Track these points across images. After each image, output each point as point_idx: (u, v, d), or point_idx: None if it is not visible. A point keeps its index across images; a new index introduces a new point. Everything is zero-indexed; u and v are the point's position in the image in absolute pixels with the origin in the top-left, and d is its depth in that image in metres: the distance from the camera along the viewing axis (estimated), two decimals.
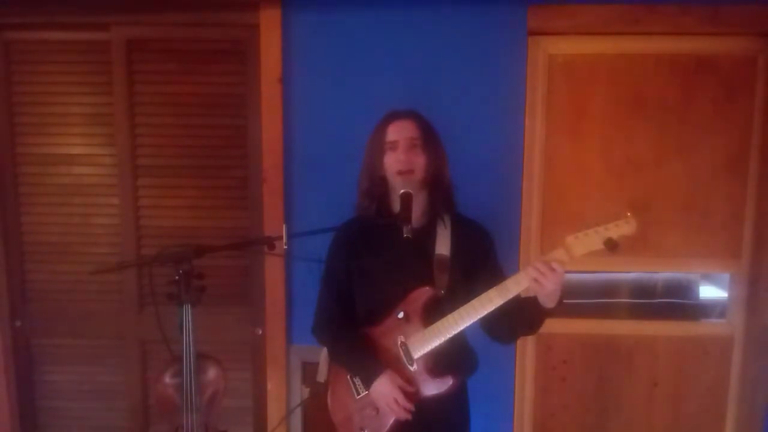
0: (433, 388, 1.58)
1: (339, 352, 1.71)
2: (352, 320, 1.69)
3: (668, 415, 2.33)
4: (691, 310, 3.18)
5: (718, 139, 2.19)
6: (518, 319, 1.58)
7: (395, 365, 1.59)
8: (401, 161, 1.57)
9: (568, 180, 2.24)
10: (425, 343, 1.57)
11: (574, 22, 2.11)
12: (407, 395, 1.54)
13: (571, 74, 2.19)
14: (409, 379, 1.57)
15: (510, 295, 1.51)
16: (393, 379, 1.55)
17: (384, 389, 1.55)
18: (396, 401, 1.53)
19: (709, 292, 3.60)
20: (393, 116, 1.63)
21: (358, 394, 1.64)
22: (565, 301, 1.53)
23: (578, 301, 2.92)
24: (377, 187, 1.63)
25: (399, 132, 1.59)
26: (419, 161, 1.59)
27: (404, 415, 1.54)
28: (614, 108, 2.19)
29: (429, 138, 1.62)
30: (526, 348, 2.31)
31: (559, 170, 2.24)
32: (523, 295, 1.55)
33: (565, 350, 2.33)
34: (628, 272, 3.21)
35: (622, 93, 2.18)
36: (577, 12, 2.10)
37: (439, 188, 1.65)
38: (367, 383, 1.59)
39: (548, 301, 1.48)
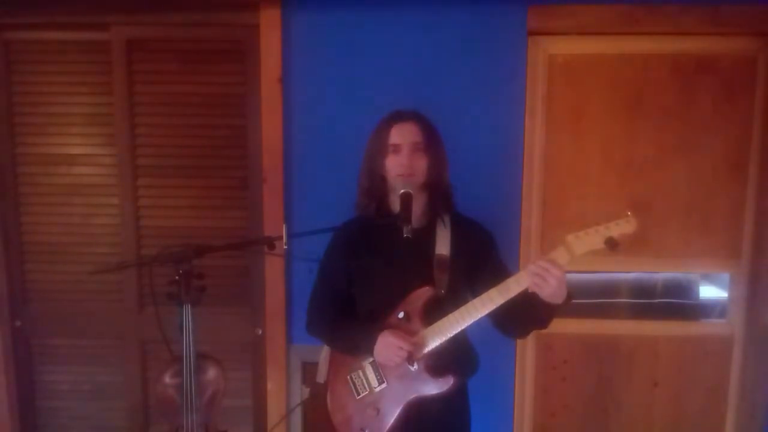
0: (434, 387, 1.58)
1: (335, 336, 1.71)
2: (345, 315, 1.70)
3: (668, 415, 2.33)
4: (691, 310, 3.18)
5: (718, 139, 2.18)
6: (528, 315, 1.58)
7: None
8: (403, 165, 1.57)
9: (568, 180, 2.24)
10: (426, 342, 1.57)
11: (574, 22, 2.11)
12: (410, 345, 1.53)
13: (571, 74, 2.19)
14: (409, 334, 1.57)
15: (511, 295, 1.51)
16: (391, 332, 1.55)
17: (385, 342, 1.54)
18: (400, 347, 1.52)
19: (709, 292, 3.60)
20: (396, 117, 1.62)
21: (359, 394, 1.64)
22: (572, 301, 1.53)
23: (578, 301, 2.91)
24: (377, 186, 1.63)
25: (402, 135, 1.59)
26: (421, 165, 1.59)
27: (410, 358, 1.53)
28: (614, 108, 2.19)
29: (431, 141, 1.62)
30: (526, 348, 2.31)
31: (559, 170, 2.24)
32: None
33: (565, 350, 2.33)
34: (628, 272, 3.21)
35: (622, 93, 2.18)
36: (577, 12, 2.10)
37: (438, 190, 1.65)
38: (369, 350, 1.57)
39: (554, 299, 1.48)
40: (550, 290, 1.43)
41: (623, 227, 1.46)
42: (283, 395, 2.33)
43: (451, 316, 1.55)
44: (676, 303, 3.16)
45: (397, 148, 1.59)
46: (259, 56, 2.19)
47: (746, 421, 2.29)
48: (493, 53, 2.13)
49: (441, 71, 2.15)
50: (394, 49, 2.15)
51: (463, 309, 1.55)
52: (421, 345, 1.56)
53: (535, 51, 2.17)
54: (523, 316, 1.59)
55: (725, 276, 2.59)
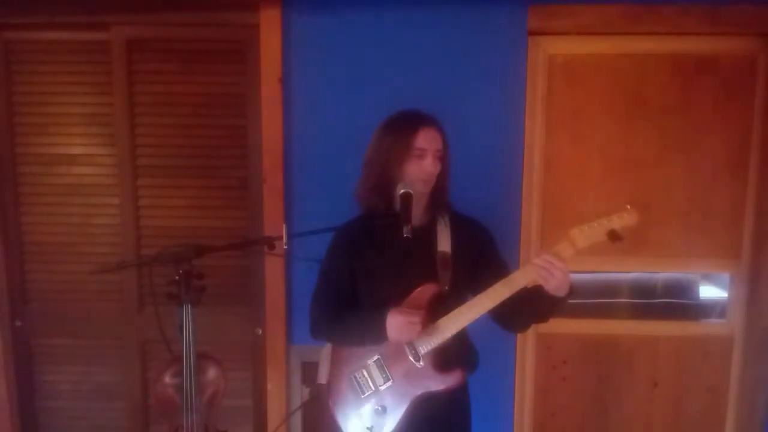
0: (441, 383, 1.59)
1: (344, 329, 1.68)
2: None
3: (668, 415, 2.34)
4: (691, 310, 3.18)
5: (718, 139, 2.19)
6: (530, 309, 1.60)
7: (401, 360, 1.60)
8: (428, 172, 1.58)
9: (568, 180, 2.24)
10: (431, 338, 1.58)
11: (574, 22, 2.11)
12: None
13: (571, 74, 2.19)
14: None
15: (517, 288, 1.53)
16: (397, 311, 1.55)
17: (394, 322, 1.54)
18: (410, 322, 1.52)
19: (709, 292, 3.60)
20: (421, 121, 1.60)
21: (363, 393, 1.64)
22: (572, 299, 1.55)
23: (578, 301, 2.92)
24: (385, 186, 1.61)
25: (428, 141, 1.58)
26: (436, 171, 1.60)
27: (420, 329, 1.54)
28: (614, 108, 2.19)
29: (446, 150, 1.64)
30: (526, 348, 2.32)
31: (559, 170, 2.24)
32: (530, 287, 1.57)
33: (565, 350, 2.33)
34: (628, 272, 3.22)
35: (622, 93, 2.18)
36: (577, 12, 2.10)
37: (438, 192, 1.66)
38: (381, 334, 1.56)
39: (559, 291, 1.50)
40: (556, 282, 1.47)
41: (625, 219, 1.50)
42: (283, 395, 2.33)
43: (458, 311, 1.57)
44: (676, 303, 3.16)
45: (422, 153, 1.57)
46: (259, 56, 2.19)
47: (746, 421, 2.29)
48: (493, 53, 2.13)
49: (441, 71, 2.14)
50: (394, 49, 2.15)
51: (469, 303, 1.57)
52: (430, 333, 1.57)
53: (535, 51, 2.17)
54: (527, 309, 1.61)
55: (725, 276, 2.59)
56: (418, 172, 1.57)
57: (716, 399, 2.32)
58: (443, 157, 1.62)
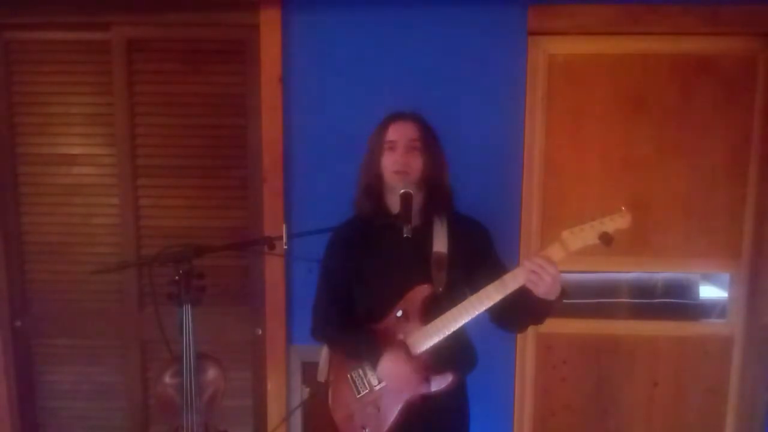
0: (432, 385, 1.58)
1: (340, 344, 1.70)
2: (350, 318, 1.69)
3: (668, 415, 2.33)
4: (691, 310, 3.18)
5: (718, 139, 2.19)
6: (524, 311, 1.59)
7: None
8: (398, 162, 1.58)
9: (568, 180, 2.24)
10: (424, 340, 1.57)
11: (574, 22, 2.11)
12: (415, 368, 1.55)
13: (571, 74, 2.19)
14: (409, 354, 1.57)
15: (508, 291, 1.51)
16: (392, 360, 1.55)
17: (391, 368, 1.55)
18: (407, 380, 1.54)
19: (709, 292, 3.60)
20: (395, 117, 1.65)
21: (359, 392, 1.64)
22: (565, 300, 1.53)
23: (578, 301, 2.92)
24: (374, 184, 1.64)
25: (399, 133, 1.61)
26: (416, 163, 1.60)
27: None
28: (614, 108, 2.19)
29: (428, 141, 1.63)
30: (526, 348, 2.31)
31: (559, 170, 2.24)
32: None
33: (565, 350, 2.33)
34: (628, 272, 3.22)
35: (622, 93, 2.18)
36: (577, 12, 2.10)
37: (435, 190, 1.65)
38: (374, 366, 1.58)
39: (548, 295, 1.48)
40: (545, 287, 1.45)
41: (618, 222, 1.46)
42: (283, 395, 2.33)
43: (449, 314, 1.56)
44: (676, 303, 3.16)
45: (393, 145, 1.60)
46: (259, 56, 2.19)
47: (746, 421, 2.30)
48: (493, 53, 2.14)
49: (441, 71, 2.15)
50: (394, 48, 2.15)
51: (460, 306, 1.55)
52: (418, 341, 1.57)
53: (535, 51, 2.17)
54: (519, 311, 1.59)
55: (725, 276, 2.59)
56: (390, 163, 1.59)
57: (716, 399, 2.32)
58: (423, 149, 1.61)
